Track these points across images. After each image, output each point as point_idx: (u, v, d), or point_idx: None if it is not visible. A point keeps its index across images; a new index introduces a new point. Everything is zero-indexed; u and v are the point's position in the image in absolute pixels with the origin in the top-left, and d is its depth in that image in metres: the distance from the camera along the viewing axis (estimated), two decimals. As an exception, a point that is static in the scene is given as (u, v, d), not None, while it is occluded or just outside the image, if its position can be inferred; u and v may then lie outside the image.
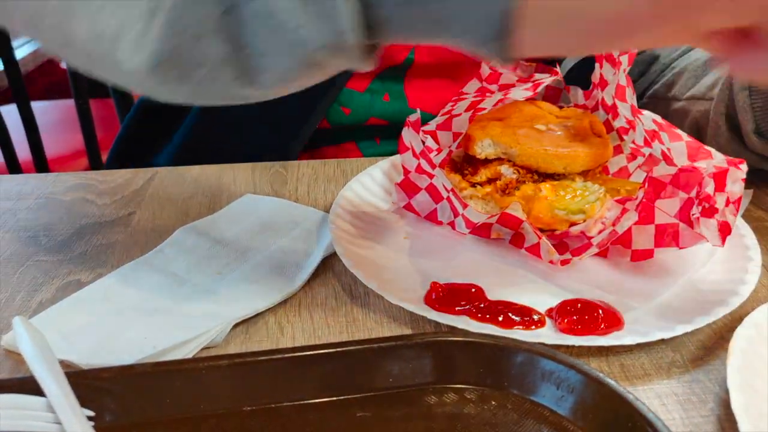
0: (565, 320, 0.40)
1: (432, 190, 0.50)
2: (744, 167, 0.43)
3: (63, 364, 0.36)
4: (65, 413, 0.30)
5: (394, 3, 0.28)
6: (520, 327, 0.40)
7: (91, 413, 0.32)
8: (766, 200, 0.56)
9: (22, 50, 1.93)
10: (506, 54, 0.28)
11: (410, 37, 0.30)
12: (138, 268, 0.46)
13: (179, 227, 0.50)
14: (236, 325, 0.41)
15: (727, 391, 0.33)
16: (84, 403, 0.31)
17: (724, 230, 0.42)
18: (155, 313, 0.41)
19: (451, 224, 0.50)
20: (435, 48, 0.61)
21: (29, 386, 0.31)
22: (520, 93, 0.53)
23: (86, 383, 0.32)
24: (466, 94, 0.57)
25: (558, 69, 0.57)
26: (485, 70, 0.59)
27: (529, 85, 0.53)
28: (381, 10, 0.28)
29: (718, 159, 0.45)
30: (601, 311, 0.40)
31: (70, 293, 0.43)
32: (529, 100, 0.55)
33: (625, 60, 0.49)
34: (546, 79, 0.54)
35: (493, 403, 0.34)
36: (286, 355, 0.34)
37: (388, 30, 0.29)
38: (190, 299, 0.42)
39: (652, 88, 0.68)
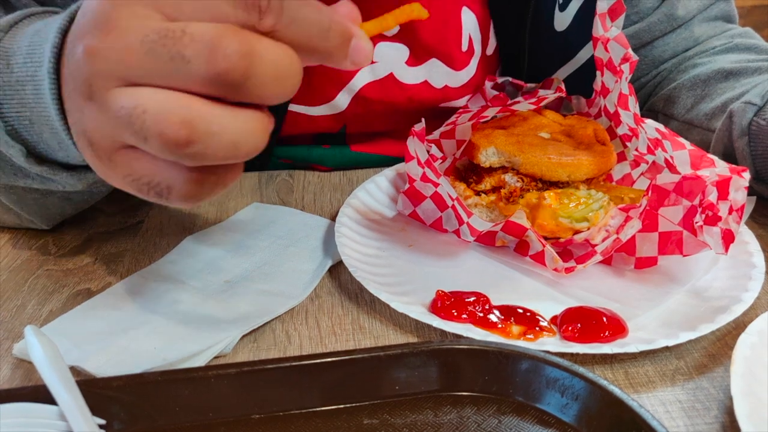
0: (570, 328, 0.40)
1: (437, 199, 0.50)
2: (747, 175, 0.44)
3: (74, 372, 0.36)
4: (77, 421, 0.31)
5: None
6: (525, 334, 0.40)
7: (102, 421, 0.32)
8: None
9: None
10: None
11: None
12: (147, 276, 0.46)
13: (187, 236, 0.50)
14: (244, 334, 0.41)
15: (730, 399, 0.33)
16: (95, 411, 0.32)
17: (728, 238, 0.42)
18: (164, 322, 0.41)
19: (456, 232, 0.50)
20: (365, 121, 0.61)
21: (41, 395, 0.32)
22: (524, 106, 0.54)
23: (97, 392, 0.33)
24: (470, 110, 0.57)
25: (563, 86, 0.57)
26: (490, 93, 0.59)
27: (534, 100, 0.54)
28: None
29: (721, 167, 0.45)
30: (605, 319, 0.41)
31: (80, 302, 0.43)
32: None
33: (626, 68, 0.49)
34: (550, 96, 0.55)
35: (499, 410, 0.34)
36: (294, 363, 0.35)
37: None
38: (198, 307, 0.43)
39: (650, 100, 0.69)
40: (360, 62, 0.31)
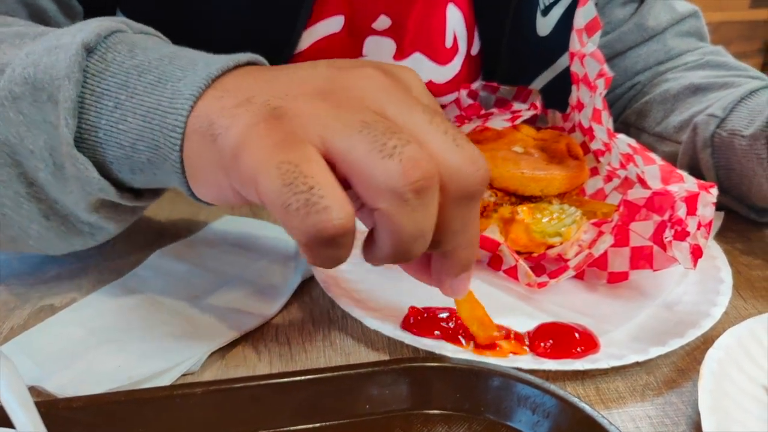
0: (542, 344, 0.40)
1: (410, 213, 0.50)
2: (714, 191, 0.44)
3: (34, 392, 0.35)
4: (35, 445, 0.30)
5: (129, 173, 0.37)
6: (497, 351, 0.40)
7: (62, 444, 0.31)
8: (737, 223, 0.57)
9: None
10: (197, 198, 0.37)
11: (149, 186, 0.38)
12: (113, 292, 0.45)
13: (156, 250, 0.49)
14: (213, 351, 0.40)
15: (698, 414, 0.33)
16: (54, 433, 0.31)
17: (696, 253, 0.42)
18: (130, 339, 0.40)
19: (430, 246, 0.50)
20: None
21: (-3, 416, 0.31)
22: (499, 123, 0.54)
23: (57, 413, 0.32)
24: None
25: (537, 103, 0.58)
26: (465, 101, 0.60)
27: (509, 116, 0.54)
28: (124, 179, 0.37)
29: (690, 183, 0.45)
30: (577, 334, 0.41)
31: (43, 318, 0.42)
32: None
33: (601, 83, 0.50)
34: (525, 114, 0.55)
35: (470, 428, 0.34)
36: (263, 382, 0.34)
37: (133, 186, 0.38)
38: (166, 324, 0.42)
39: (624, 113, 0.70)
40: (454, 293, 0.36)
